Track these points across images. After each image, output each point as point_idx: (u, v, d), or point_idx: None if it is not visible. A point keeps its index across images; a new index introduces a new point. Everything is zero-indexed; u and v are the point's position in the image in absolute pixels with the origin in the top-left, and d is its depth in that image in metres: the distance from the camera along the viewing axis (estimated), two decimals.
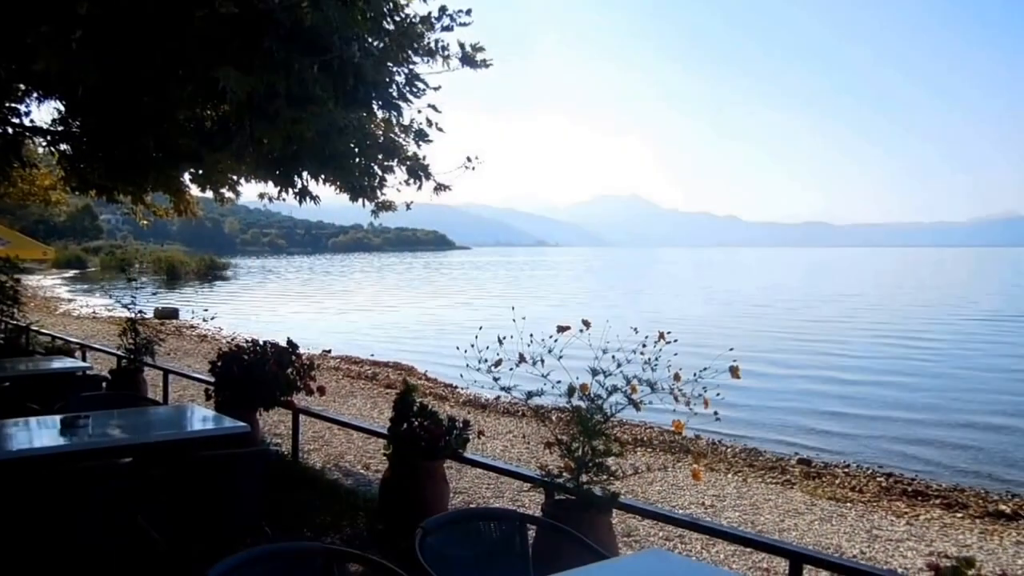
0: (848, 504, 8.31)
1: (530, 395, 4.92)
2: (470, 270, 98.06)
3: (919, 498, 8.72)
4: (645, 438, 11.34)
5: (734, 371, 4.41)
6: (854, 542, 6.89)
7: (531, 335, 4.82)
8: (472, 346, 4.83)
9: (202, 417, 6.34)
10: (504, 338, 4.86)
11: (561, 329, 4.64)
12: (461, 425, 5.90)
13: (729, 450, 11.03)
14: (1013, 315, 33.74)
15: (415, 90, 6.98)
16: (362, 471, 8.39)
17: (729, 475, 9.49)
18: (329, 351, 20.60)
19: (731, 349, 4.52)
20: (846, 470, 10.09)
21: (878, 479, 9.56)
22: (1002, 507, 8.34)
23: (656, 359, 4.57)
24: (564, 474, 4.73)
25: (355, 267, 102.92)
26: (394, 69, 6.81)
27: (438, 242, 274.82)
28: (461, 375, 5.33)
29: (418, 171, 8.55)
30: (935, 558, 6.50)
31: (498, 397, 13.43)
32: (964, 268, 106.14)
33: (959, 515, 8.15)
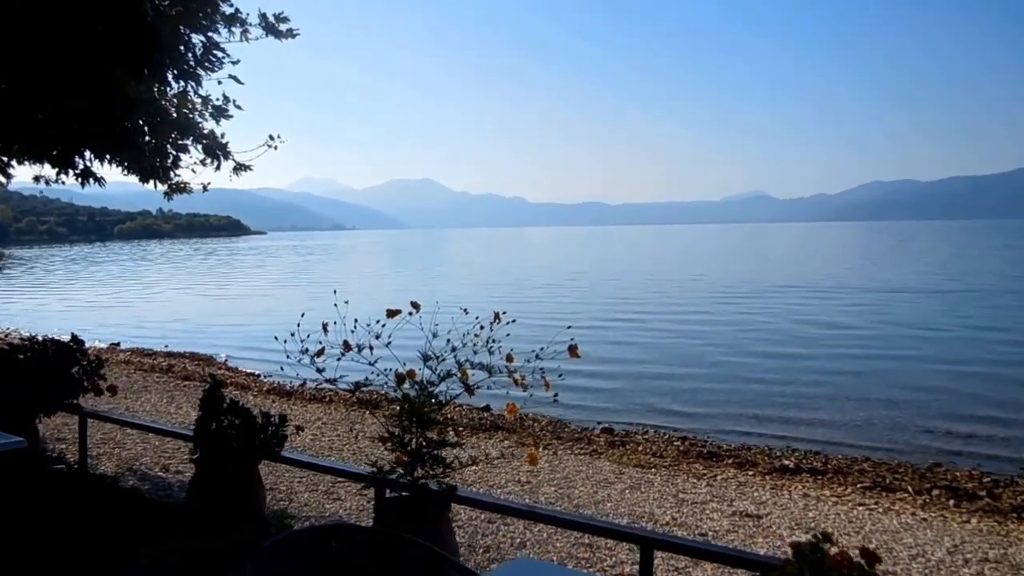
0: (652, 470, 8.39)
1: (358, 386, 4.35)
2: (262, 255, 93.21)
3: (714, 459, 8.98)
4: (452, 418, 10.96)
5: (572, 350, 4.10)
6: (664, 508, 6.89)
7: (356, 320, 4.25)
8: (292, 335, 4.19)
9: None
10: (327, 324, 4.26)
11: (391, 313, 4.11)
12: (277, 421, 5.20)
13: (536, 424, 10.92)
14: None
15: (214, 59, 6.11)
16: (161, 473, 7.39)
17: (540, 449, 9.34)
18: (118, 344, 18.60)
19: (569, 327, 4.20)
20: (645, 436, 10.27)
21: (675, 443, 9.78)
22: (785, 462, 8.76)
23: (493, 340, 4.16)
24: (397, 469, 4.21)
25: (141, 255, 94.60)
26: (190, 36, 5.91)
27: (232, 227, 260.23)
28: (281, 368, 4.66)
29: (216, 150, 7.64)
30: (738, 518, 6.65)
31: (303, 383, 12.49)
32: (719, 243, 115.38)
33: (751, 472, 8.42)
